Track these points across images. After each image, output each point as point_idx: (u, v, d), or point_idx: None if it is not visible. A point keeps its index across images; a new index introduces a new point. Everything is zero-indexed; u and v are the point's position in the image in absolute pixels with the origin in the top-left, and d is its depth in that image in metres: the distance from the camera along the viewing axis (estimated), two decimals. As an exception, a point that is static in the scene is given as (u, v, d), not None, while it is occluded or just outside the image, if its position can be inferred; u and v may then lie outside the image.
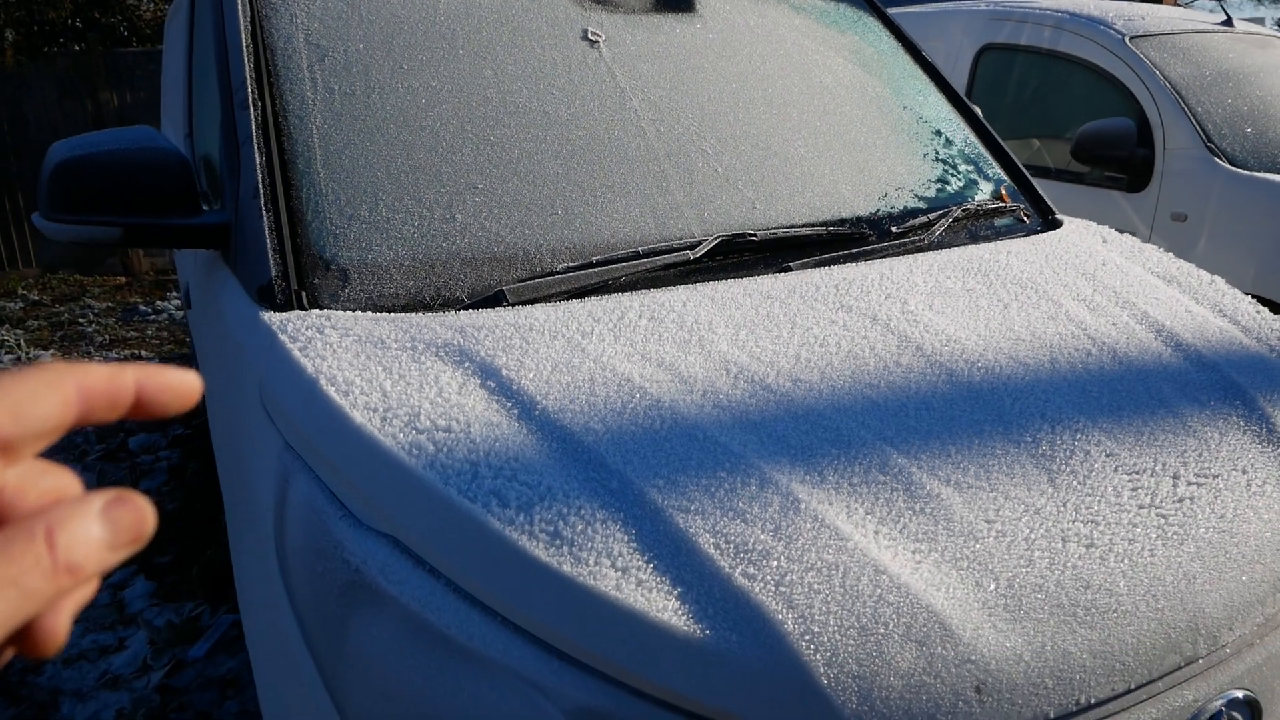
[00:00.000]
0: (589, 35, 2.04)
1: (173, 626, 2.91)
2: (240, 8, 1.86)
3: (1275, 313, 3.44)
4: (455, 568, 1.09)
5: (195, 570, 3.23)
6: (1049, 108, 4.37)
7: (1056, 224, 2.22)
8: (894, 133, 2.25)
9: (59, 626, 0.36)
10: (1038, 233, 2.15)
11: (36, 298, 6.62)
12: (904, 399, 1.37)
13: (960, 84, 4.55)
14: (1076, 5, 4.35)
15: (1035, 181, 2.38)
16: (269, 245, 1.57)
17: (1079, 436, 1.36)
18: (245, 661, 2.78)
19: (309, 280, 1.56)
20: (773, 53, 2.24)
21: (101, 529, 0.35)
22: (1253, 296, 3.50)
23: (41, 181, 1.69)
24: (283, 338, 1.40)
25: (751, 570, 1.06)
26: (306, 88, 1.77)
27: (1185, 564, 1.23)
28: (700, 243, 1.72)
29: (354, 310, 1.52)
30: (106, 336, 5.81)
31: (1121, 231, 3.87)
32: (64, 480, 0.38)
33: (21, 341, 5.61)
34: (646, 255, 1.68)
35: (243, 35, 1.82)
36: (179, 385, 0.40)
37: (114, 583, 3.20)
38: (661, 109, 1.97)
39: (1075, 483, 1.28)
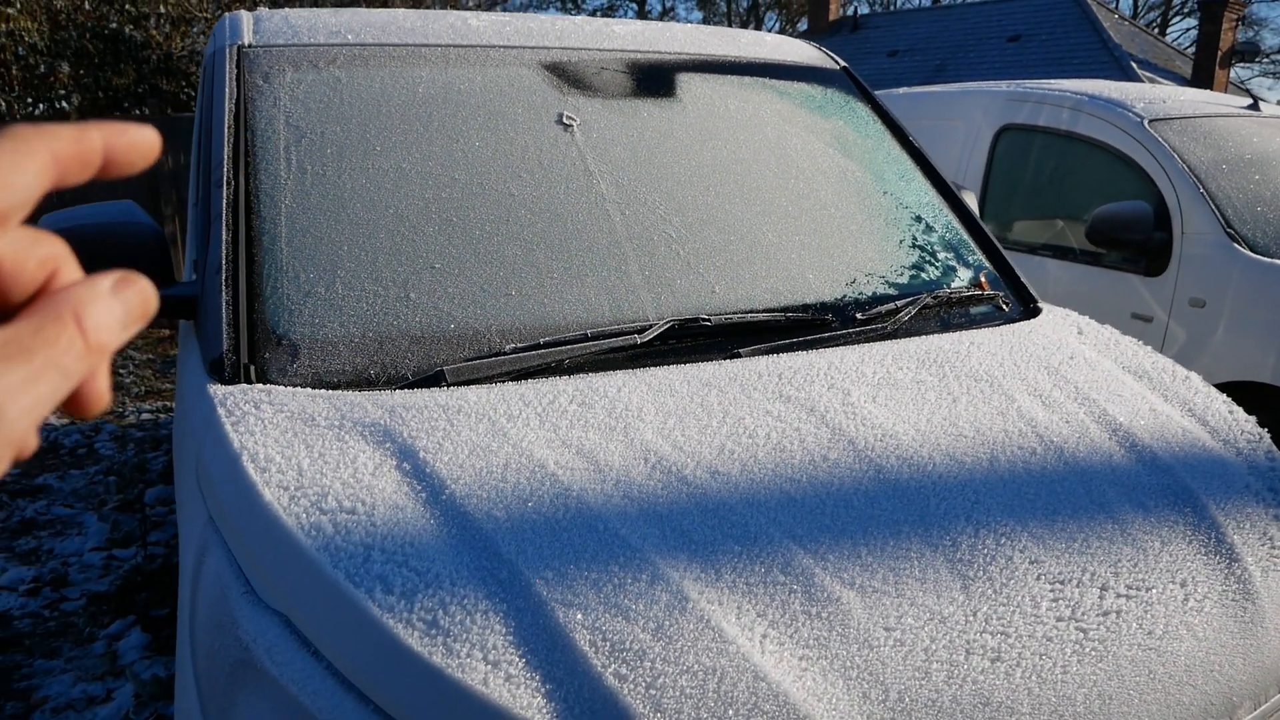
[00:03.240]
0: (564, 119, 2.09)
1: (158, 681, 2.93)
2: (228, 88, 1.95)
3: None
4: (335, 651, 1.09)
5: (190, 625, 3.26)
6: (1067, 189, 4.34)
7: (1036, 312, 2.19)
8: (870, 218, 2.26)
9: (101, 389, 0.38)
10: (1014, 321, 2.12)
11: (84, 347, 6.87)
12: (823, 496, 1.35)
13: (979, 164, 4.54)
14: (1096, 88, 4.34)
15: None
16: (224, 320, 1.62)
17: (1003, 541, 1.33)
18: (224, 721, 2.79)
19: (260, 355, 1.60)
20: (751, 139, 2.27)
21: (119, 309, 0.37)
22: (1272, 387, 3.41)
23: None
24: (221, 411, 1.44)
25: (624, 670, 1.05)
26: (281, 167, 1.84)
27: (1101, 683, 1.18)
28: (650, 326, 1.74)
29: (302, 385, 1.55)
30: (142, 388, 5.99)
31: (1148, 319, 3.80)
32: (55, 247, 0.38)
33: (62, 390, 5.80)
34: (595, 338, 1.70)
35: (226, 115, 1.90)
36: (140, 141, 0.40)
37: (110, 633, 3.25)
38: (629, 192, 2.00)
39: (990, 591, 1.24)
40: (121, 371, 6.33)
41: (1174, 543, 1.41)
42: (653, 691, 1.03)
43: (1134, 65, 15.88)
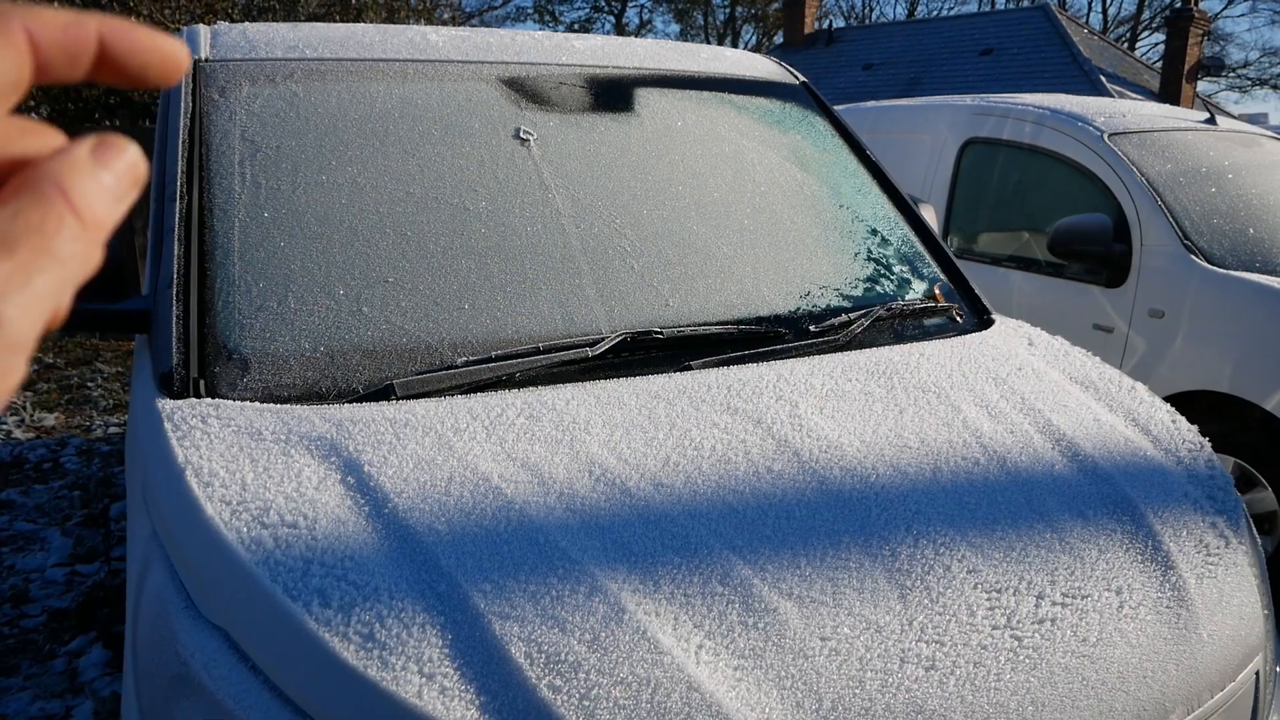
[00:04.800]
0: (521, 134, 2.10)
1: (118, 698, 2.90)
2: (183, 103, 1.95)
3: (1250, 412, 3.39)
4: (273, 664, 1.10)
5: (152, 641, 3.23)
6: (1031, 202, 4.40)
7: (989, 324, 2.23)
8: (825, 231, 2.28)
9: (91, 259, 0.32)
10: (967, 333, 2.15)
11: (51, 360, 6.81)
12: (766, 506, 1.36)
13: (945, 177, 4.60)
14: (1058, 102, 4.41)
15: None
16: (174, 334, 1.62)
17: (942, 551, 1.35)
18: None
19: (210, 369, 1.60)
20: (709, 153, 2.30)
21: (109, 178, 0.31)
22: (1228, 396, 3.46)
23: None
24: (167, 426, 1.44)
25: (558, 682, 1.05)
26: (235, 182, 1.84)
27: (1035, 689, 1.20)
28: (602, 339, 1.75)
29: (252, 400, 1.55)
30: (110, 401, 5.94)
31: (1109, 330, 3.86)
32: (51, 139, 0.32)
33: (27, 404, 5.74)
34: (546, 351, 1.71)
35: (181, 130, 1.90)
36: (160, 48, 0.32)
37: (71, 650, 3.21)
38: (585, 207, 2.02)
39: (927, 600, 1.26)
40: (89, 385, 6.27)
41: (1111, 551, 1.43)
42: (586, 703, 1.04)
43: (1103, 79, 16.11)
